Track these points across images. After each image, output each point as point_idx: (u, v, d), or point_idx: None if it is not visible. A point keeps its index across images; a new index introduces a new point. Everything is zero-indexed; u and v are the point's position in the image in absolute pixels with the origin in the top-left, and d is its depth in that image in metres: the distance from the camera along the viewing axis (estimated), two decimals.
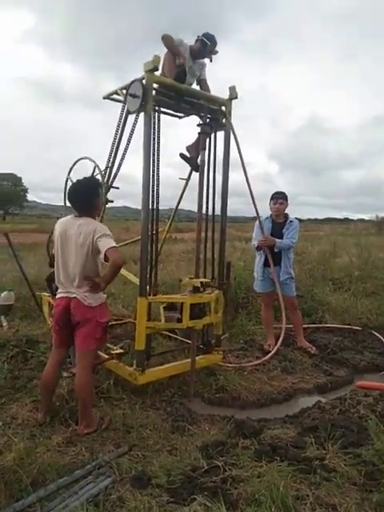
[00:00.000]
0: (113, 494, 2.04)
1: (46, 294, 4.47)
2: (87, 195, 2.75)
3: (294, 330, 4.75)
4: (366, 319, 5.46)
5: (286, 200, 4.53)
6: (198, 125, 3.57)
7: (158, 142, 3.36)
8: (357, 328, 5.23)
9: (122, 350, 3.39)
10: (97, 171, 3.68)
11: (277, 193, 4.53)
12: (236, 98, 3.72)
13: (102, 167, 3.65)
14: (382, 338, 4.86)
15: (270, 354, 4.14)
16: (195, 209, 3.55)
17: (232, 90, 3.70)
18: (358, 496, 2.13)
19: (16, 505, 1.94)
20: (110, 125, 3.80)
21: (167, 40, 3.51)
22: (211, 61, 3.77)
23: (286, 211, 4.57)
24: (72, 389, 2.97)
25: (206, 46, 3.66)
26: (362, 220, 37.29)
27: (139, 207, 3.28)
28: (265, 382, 3.66)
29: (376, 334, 5.01)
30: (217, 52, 3.73)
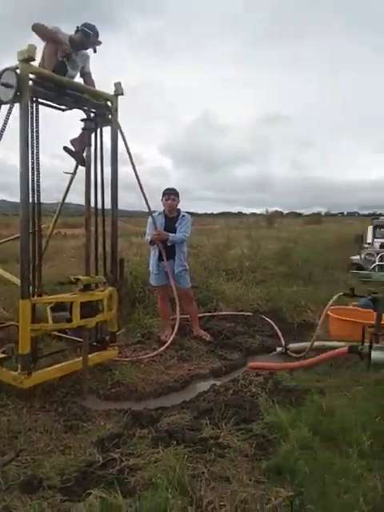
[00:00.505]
0: None
1: None
2: None
3: (190, 320, 4.98)
4: (257, 305, 5.96)
5: (178, 196, 4.74)
6: (82, 120, 3.52)
7: (37, 134, 3.24)
8: (248, 314, 5.69)
9: (3, 355, 3.23)
10: None
11: (168, 189, 4.72)
12: (122, 94, 3.74)
13: None
14: (271, 321, 5.35)
15: (166, 345, 4.28)
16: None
17: (117, 86, 3.71)
18: (248, 466, 2.35)
19: None
20: None
21: (39, 28, 3.38)
22: (95, 51, 3.72)
23: (178, 206, 4.78)
24: None
25: (89, 36, 3.60)
26: (254, 214, 40.26)
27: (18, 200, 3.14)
28: (162, 372, 3.79)
29: (266, 318, 5.50)
30: (100, 42, 3.69)
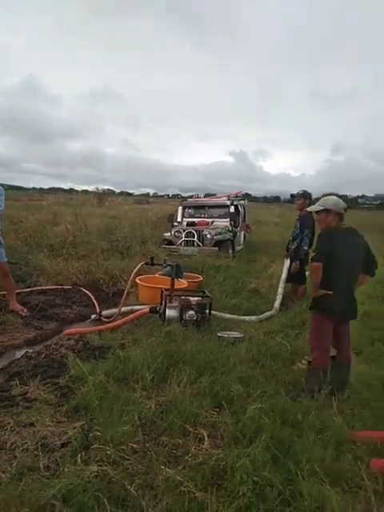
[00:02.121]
0: None
1: None
2: None
3: (6, 295, 4.93)
4: (76, 278, 6.19)
5: None
6: None
7: None
8: (67, 287, 5.90)
9: None
10: None
11: None
12: None
13: None
14: (88, 292, 5.68)
15: None
16: None
17: None
18: (52, 411, 2.67)
19: None
20: None
21: None
22: None
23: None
24: None
25: None
26: (85, 191, 39.47)
27: None
28: None
29: (84, 290, 5.80)
30: None
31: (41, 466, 2.12)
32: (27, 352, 3.68)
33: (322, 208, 3.00)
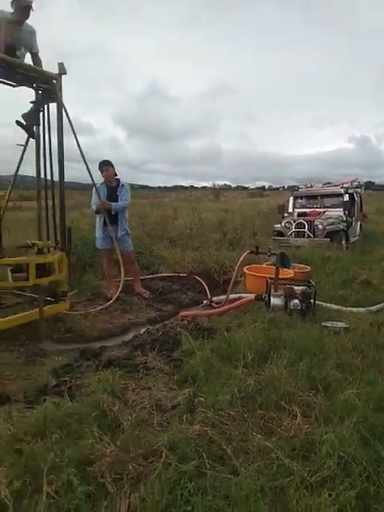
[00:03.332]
0: None
1: None
2: None
3: (133, 280, 5.56)
4: (192, 267, 6.62)
5: (111, 166, 5.17)
6: (31, 102, 3.85)
7: None
8: (183, 274, 6.36)
9: None
10: None
11: (101, 162, 5.17)
12: (65, 73, 4.00)
13: None
14: (201, 280, 6.05)
15: (111, 300, 4.86)
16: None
17: (61, 66, 3.98)
18: (166, 379, 3.04)
19: None
20: None
21: None
22: (32, 9, 3.71)
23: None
24: None
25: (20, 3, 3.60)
26: (204, 187, 40.96)
27: None
28: (106, 322, 4.39)
29: (197, 278, 6.20)
30: (30, 1, 3.68)
31: (154, 422, 2.46)
32: (148, 328, 4.17)
33: None
